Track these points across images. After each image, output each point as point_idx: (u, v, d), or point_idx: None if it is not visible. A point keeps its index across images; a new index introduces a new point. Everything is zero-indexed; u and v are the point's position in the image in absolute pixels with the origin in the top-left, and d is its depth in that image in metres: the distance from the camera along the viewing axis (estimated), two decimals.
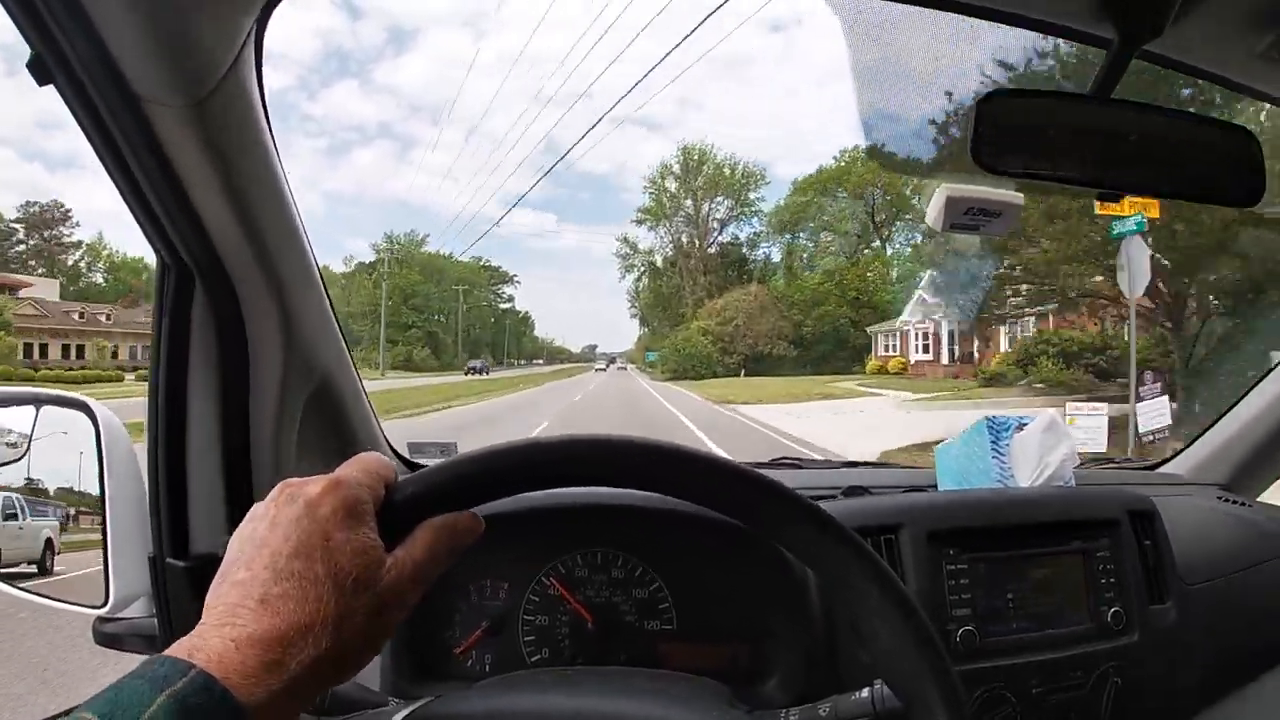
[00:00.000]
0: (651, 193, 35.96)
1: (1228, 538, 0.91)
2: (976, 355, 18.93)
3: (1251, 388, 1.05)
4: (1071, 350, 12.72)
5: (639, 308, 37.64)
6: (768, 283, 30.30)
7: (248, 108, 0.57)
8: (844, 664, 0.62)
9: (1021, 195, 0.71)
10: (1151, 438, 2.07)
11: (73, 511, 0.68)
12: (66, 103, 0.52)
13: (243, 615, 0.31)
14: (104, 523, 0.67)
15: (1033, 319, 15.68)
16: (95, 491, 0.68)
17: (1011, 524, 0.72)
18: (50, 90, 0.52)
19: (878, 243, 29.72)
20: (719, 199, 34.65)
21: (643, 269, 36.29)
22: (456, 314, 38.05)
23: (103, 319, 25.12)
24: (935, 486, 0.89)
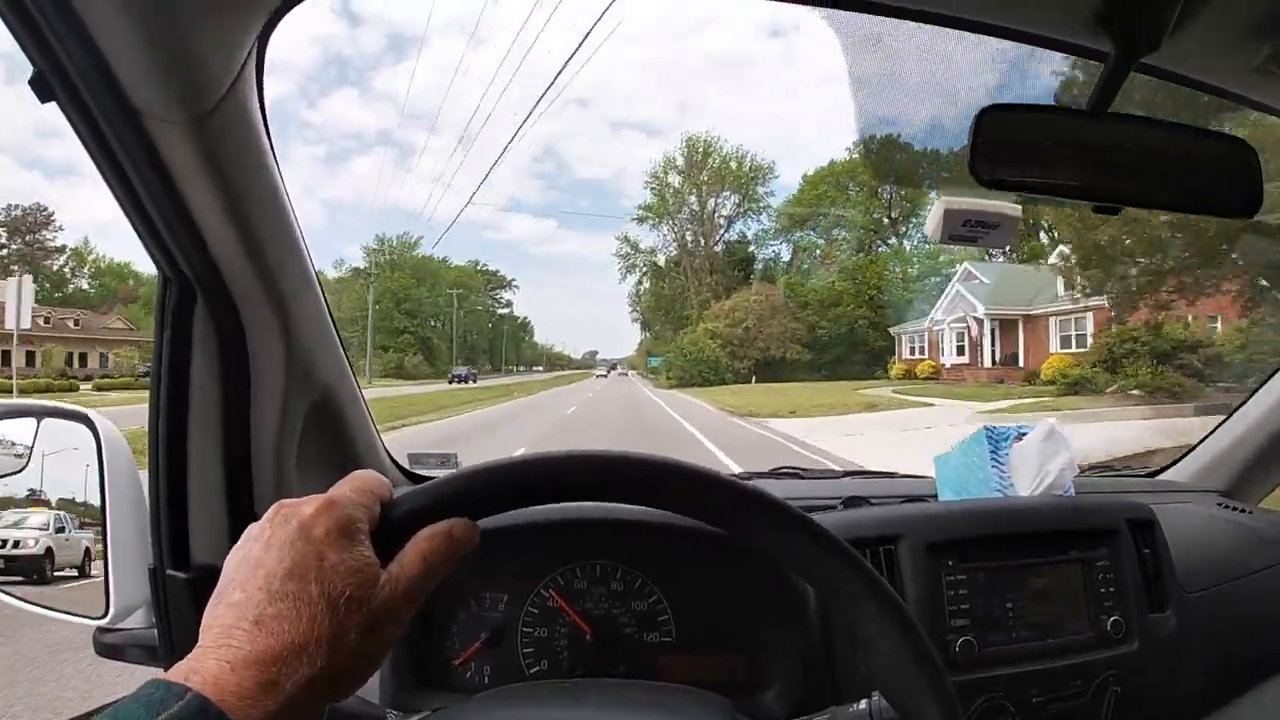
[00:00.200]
0: (653, 188, 33.29)
1: (1228, 545, 0.91)
2: (1021, 356, 16.99)
3: (1252, 394, 1.05)
4: (1164, 349, 10.95)
5: (640, 311, 35.47)
6: (778, 282, 28.09)
7: (249, 123, 0.57)
8: (842, 675, 0.62)
9: (1019, 207, 0.71)
10: None
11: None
12: (69, 118, 0.53)
13: (238, 637, 0.31)
14: (104, 534, 0.67)
15: (1089, 315, 14.66)
16: (96, 503, 0.68)
17: (1010, 534, 0.72)
18: (52, 105, 0.52)
19: (894, 239, 27.80)
20: (725, 194, 32.08)
21: (644, 270, 34.02)
22: (451, 319, 36.75)
23: (71, 324, 24.19)
24: (935, 496, 0.90)
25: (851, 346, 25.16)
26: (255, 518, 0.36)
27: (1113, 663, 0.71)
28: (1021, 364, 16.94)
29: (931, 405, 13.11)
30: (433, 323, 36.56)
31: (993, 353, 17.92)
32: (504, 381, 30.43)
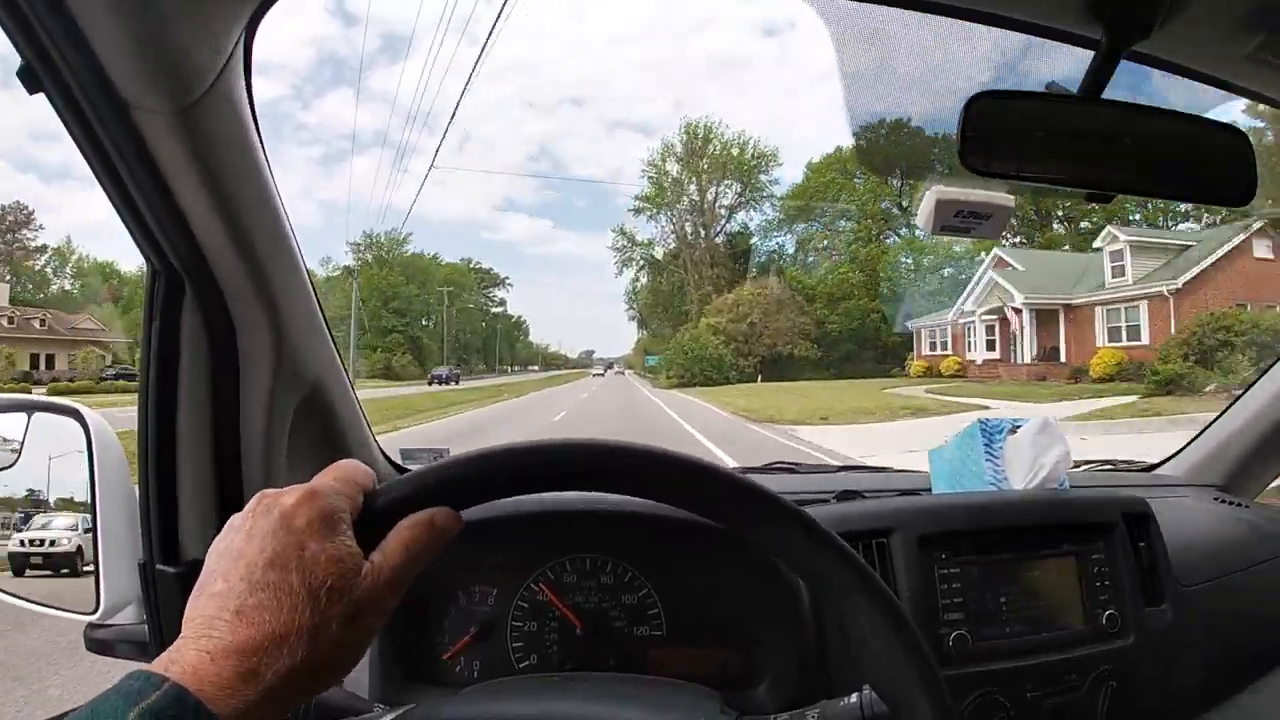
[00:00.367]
0: (651, 176, 31.25)
1: (1224, 539, 0.90)
2: (1063, 350, 15.03)
3: (1249, 388, 1.05)
4: (1265, 339, 9.40)
5: (636, 309, 33.75)
6: (784, 274, 26.30)
7: (236, 114, 0.57)
8: (835, 668, 0.62)
9: (1012, 197, 0.71)
10: None
11: None
12: (56, 110, 0.53)
13: (219, 627, 0.31)
14: (95, 529, 0.67)
15: (1142, 305, 13.22)
16: (86, 497, 0.68)
17: (1004, 527, 0.72)
18: (40, 98, 0.52)
19: (906, 229, 25.69)
20: (727, 183, 30.18)
21: (641, 264, 32.07)
22: (442, 318, 35.37)
23: (37, 324, 23.54)
24: (929, 490, 0.89)
25: (860, 342, 23.63)
26: None
27: (1108, 657, 0.70)
28: (1063, 359, 15.05)
29: (988, 408, 10.82)
30: (424, 322, 35.42)
31: (1032, 347, 15.66)
32: (494, 382, 28.84)
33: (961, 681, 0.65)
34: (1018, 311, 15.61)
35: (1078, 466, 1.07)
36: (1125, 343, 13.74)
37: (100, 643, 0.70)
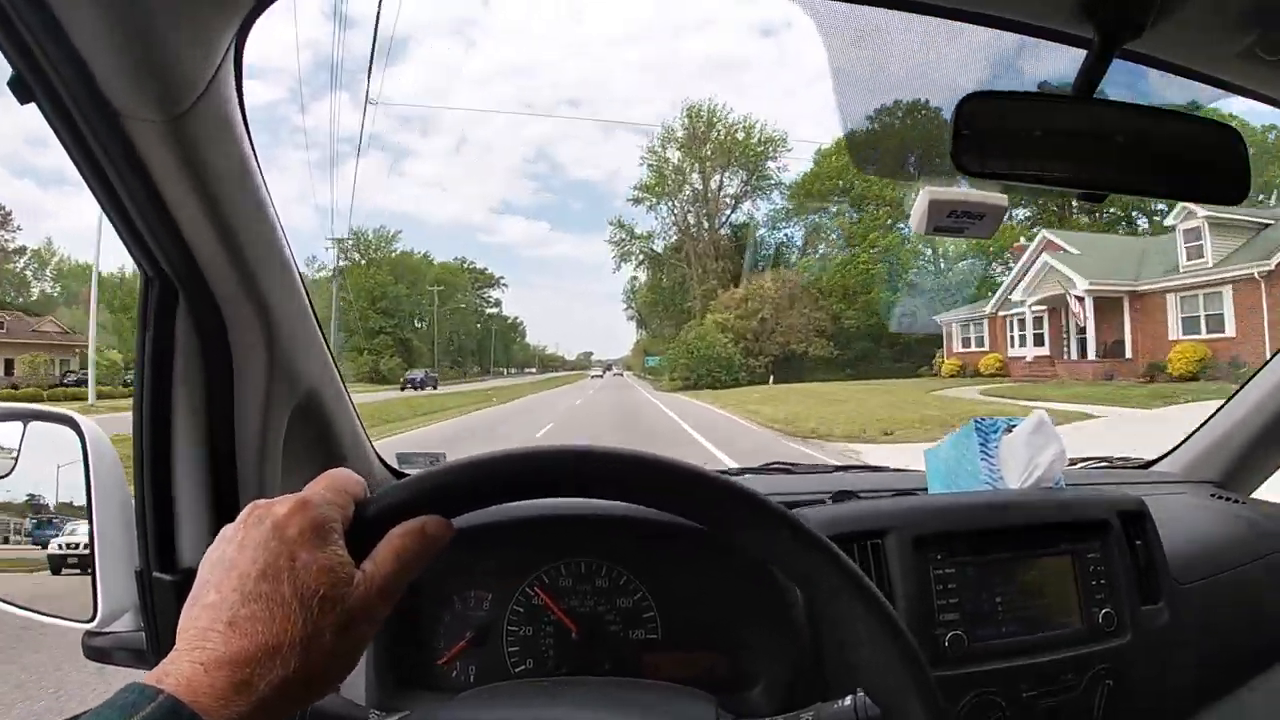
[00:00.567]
0: (651, 164, 29.18)
1: (1221, 536, 0.90)
2: (1129, 345, 12.98)
3: (1244, 384, 1.05)
4: None
5: (635, 308, 32.33)
6: (779, 268, 24.46)
7: (227, 122, 0.57)
8: (830, 671, 0.62)
9: (1005, 196, 0.70)
10: None
11: None
12: (47, 119, 0.53)
13: (212, 638, 0.31)
14: (91, 537, 0.67)
15: (1224, 290, 11.22)
16: (83, 506, 0.68)
17: (999, 527, 0.72)
18: (32, 108, 0.52)
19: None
20: (732, 170, 28.14)
21: (640, 259, 30.05)
22: (433, 318, 33.95)
23: None
24: (925, 490, 0.89)
25: (876, 339, 21.51)
26: None
27: (1105, 656, 0.70)
28: (1129, 354, 12.95)
29: (1092, 417, 8.87)
30: (416, 324, 34.09)
31: (1092, 343, 13.37)
32: (483, 385, 26.58)
33: (958, 682, 0.65)
34: (1080, 300, 13.31)
35: (1074, 464, 1.07)
36: (1205, 335, 11.77)
37: (98, 650, 0.70)
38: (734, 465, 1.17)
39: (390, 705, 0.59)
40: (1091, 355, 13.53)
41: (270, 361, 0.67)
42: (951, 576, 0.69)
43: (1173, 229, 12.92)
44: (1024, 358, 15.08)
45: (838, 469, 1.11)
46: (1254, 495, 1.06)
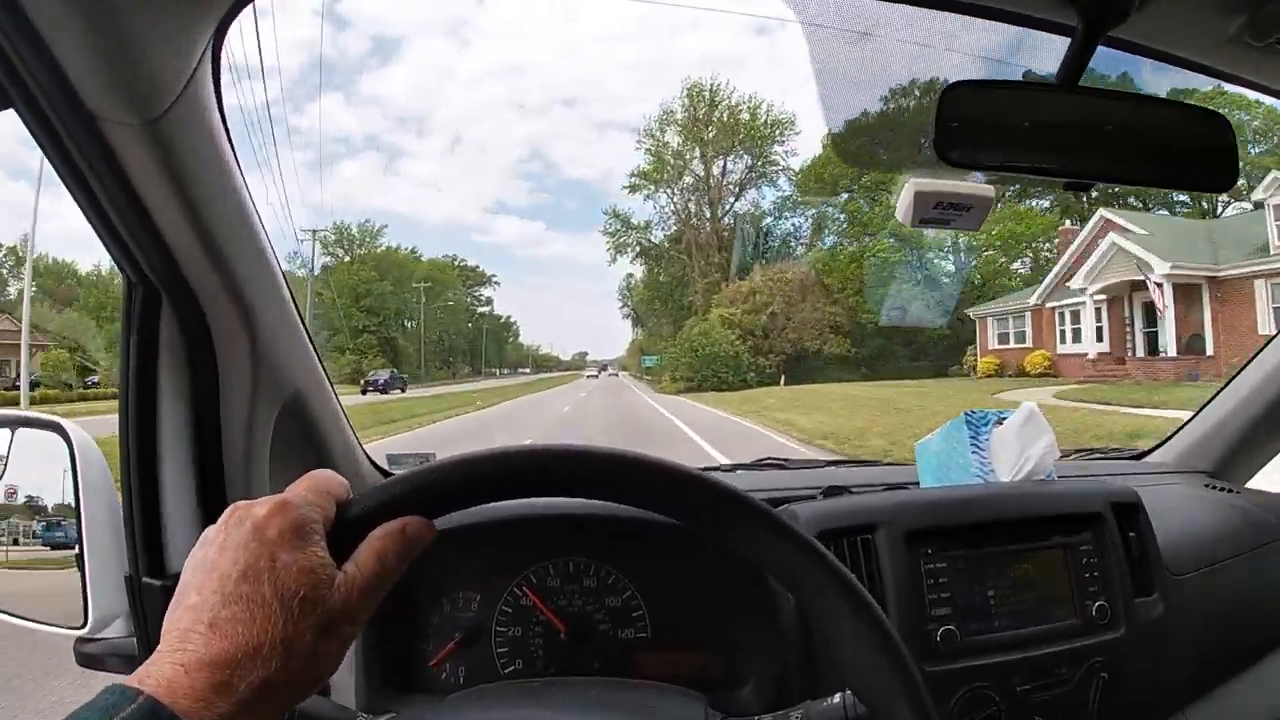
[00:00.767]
0: (648, 148, 26.26)
1: (1215, 526, 0.90)
2: (1210, 341, 11.00)
3: (1237, 373, 1.04)
4: None
5: (631, 306, 29.37)
6: (804, 259, 22.26)
7: (206, 124, 0.57)
8: (820, 668, 0.62)
9: (991, 188, 0.70)
10: None
11: None
12: (25, 123, 0.52)
13: (193, 640, 0.31)
14: (80, 543, 0.67)
15: None
16: (71, 513, 0.68)
17: (991, 520, 0.72)
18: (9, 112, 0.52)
19: None
20: (735, 154, 25.52)
21: (636, 251, 27.27)
22: (420, 316, 31.92)
23: None
24: (917, 484, 0.89)
25: (889, 335, 19.58)
26: None
27: (1099, 649, 0.70)
28: (1209, 350, 10.90)
29: None
30: (405, 323, 32.28)
31: (1176, 335, 11.14)
32: (467, 387, 23.81)
33: (950, 677, 0.65)
34: (1159, 286, 11.14)
35: (1066, 456, 1.07)
36: None
37: (89, 657, 0.70)
38: (726, 461, 1.16)
39: (380, 707, 0.59)
40: (1171, 351, 11.45)
41: (255, 364, 0.66)
42: (943, 571, 0.68)
43: (1260, 205, 10.92)
44: (1084, 355, 12.71)
45: (830, 464, 1.11)
46: (1248, 485, 1.05)
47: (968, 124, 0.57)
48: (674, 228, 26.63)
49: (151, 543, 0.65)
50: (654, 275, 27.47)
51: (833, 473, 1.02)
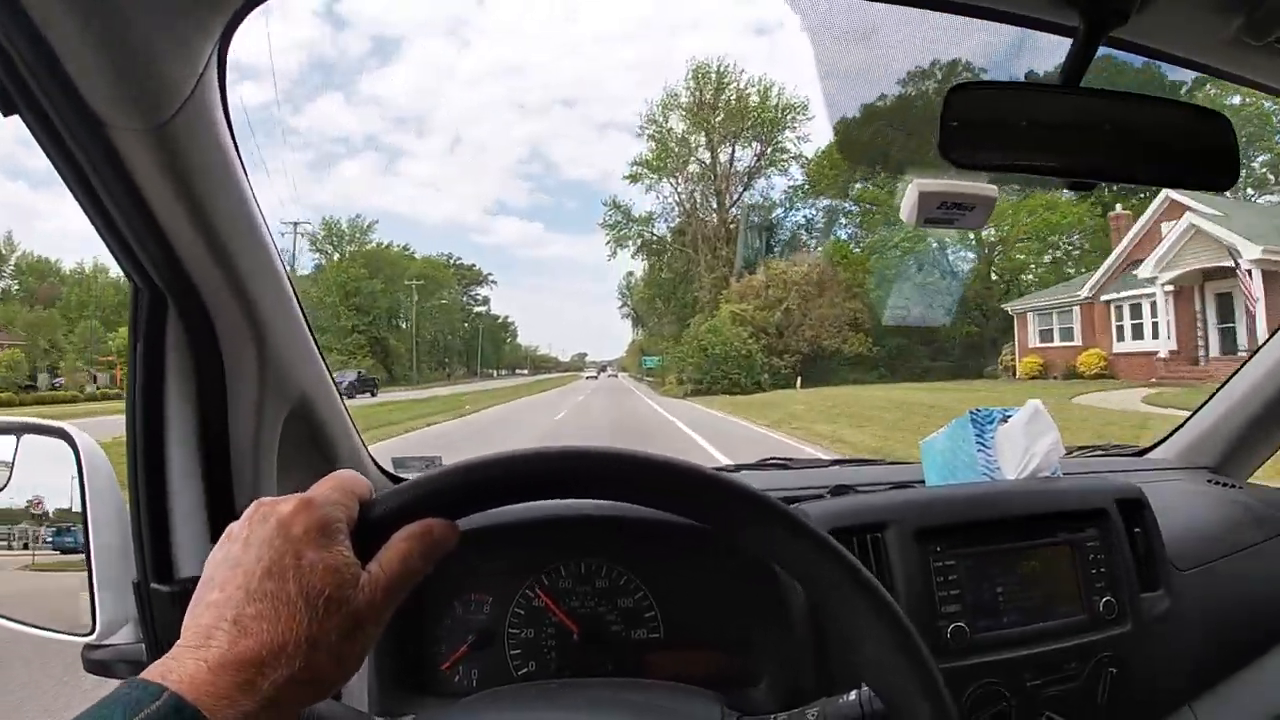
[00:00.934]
0: (652, 134, 24.46)
1: (1219, 521, 0.90)
2: None
3: (1239, 369, 1.05)
4: None
5: (631, 305, 28.24)
6: (817, 252, 20.48)
7: (212, 129, 0.57)
8: (835, 665, 0.62)
9: (995, 187, 0.70)
10: None
11: None
12: (31, 129, 0.52)
13: (217, 637, 0.31)
14: (87, 549, 0.67)
15: None
16: (78, 519, 0.68)
17: (998, 518, 0.72)
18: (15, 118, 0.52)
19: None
20: (744, 141, 23.69)
21: (638, 245, 25.53)
22: (412, 316, 30.93)
23: None
24: (923, 482, 0.89)
25: (908, 333, 17.94)
26: None
27: (1107, 644, 0.70)
28: None
29: None
30: (400, 324, 31.29)
31: (1268, 329, 5.63)
32: (459, 389, 22.44)
33: (961, 673, 0.65)
34: (1248, 272, 9.46)
35: (1070, 453, 1.07)
36: None
37: (98, 663, 0.69)
38: (729, 462, 1.16)
39: (394, 710, 0.59)
40: (1246, 349, 9.35)
41: (262, 368, 0.66)
42: (952, 568, 0.69)
43: None
44: (1149, 354, 10.83)
45: (834, 463, 1.11)
46: (1250, 480, 1.06)
47: (971, 125, 0.57)
48: (678, 220, 24.87)
49: (159, 548, 0.64)
50: (656, 271, 26.11)
51: (837, 472, 1.02)
